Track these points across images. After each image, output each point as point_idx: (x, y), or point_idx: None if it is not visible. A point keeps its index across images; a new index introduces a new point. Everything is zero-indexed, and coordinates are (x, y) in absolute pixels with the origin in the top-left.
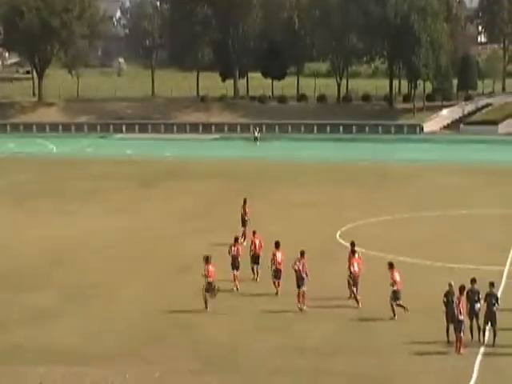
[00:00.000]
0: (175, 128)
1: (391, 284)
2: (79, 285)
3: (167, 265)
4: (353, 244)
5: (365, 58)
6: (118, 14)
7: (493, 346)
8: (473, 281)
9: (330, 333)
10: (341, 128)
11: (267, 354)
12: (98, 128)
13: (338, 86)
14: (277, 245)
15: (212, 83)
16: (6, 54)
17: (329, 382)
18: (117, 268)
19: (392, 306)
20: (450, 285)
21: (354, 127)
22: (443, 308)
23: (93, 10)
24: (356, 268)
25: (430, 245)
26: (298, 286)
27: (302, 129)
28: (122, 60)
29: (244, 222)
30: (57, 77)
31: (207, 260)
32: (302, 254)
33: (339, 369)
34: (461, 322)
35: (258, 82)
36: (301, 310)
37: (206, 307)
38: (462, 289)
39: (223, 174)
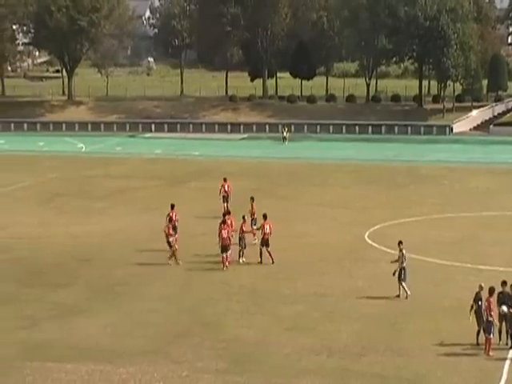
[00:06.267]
0: (204, 127)
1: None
2: (107, 282)
3: (194, 263)
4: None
5: (394, 59)
6: (148, 13)
7: (510, 347)
8: (503, 283)
9: (358, 333)
10: (370, 128)
11: (295, 353)
12: (127, 127)
13: (367, 86)
14: (264, 217)
15: (241, 83)
16: (36, 53)
17: (356, 383)
18: (144, 266)
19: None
20: (480, 286)
21: (383, 127)
22: (473, 309)
23: (122, 9)
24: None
25: (459, 246)
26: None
27: (331, 129)
28: (151, 59)
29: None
30: (86, 76)
31: None
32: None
33: (367, 369)
34: (490, 323)
35: (286, 82)
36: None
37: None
38: (491, 291)
39: (251, 174)
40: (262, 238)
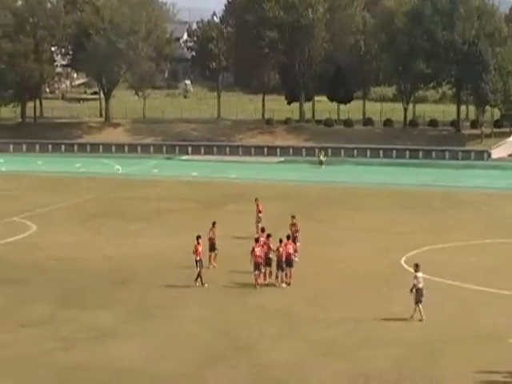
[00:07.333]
0: (240, 150)
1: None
2: (142, 304)
3: (230, 286)
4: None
5: (432, 84)
6: (185, 36)
7: None
8: None
9: (394, 359)
10: (407, 153)
11: (330, 379)
12: (164, 149)
13: (405, 110)
14: (288, 237)
15: (277, 106)
16: (74, 75)
17: None
18: (180, 288)
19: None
20: None
21: (420, 152)
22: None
23: (160, 31)
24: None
25: (497, 272)
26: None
27: (368, 153)
28: (188, 82)
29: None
30: (123, 98)
31: None
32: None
33: None
34: None
35: (323, 106)
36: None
37: None
38: None
39: (288, 197)
40: (286, 259)
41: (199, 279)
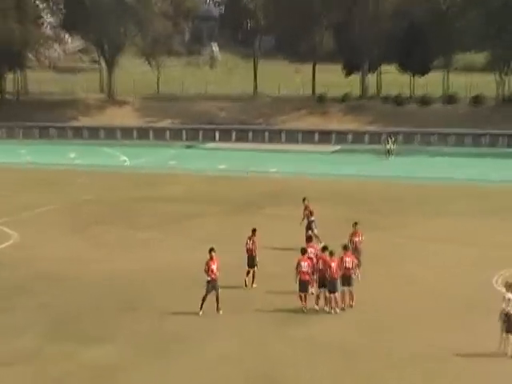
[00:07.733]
0: (283, 136)
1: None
2: (155, 336)
3: (268, 311)
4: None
5: None
6: None
7: None
8: None
9: None
10: (502, 140)
11: None
12: (184, 135)
13: (499, 84)
14: (344, 247)
15: (332, 78)
16: (68, 39)
17: None
18: (204, 315)
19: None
20: None
21: None
22: None
23: None
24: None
25: None
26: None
27: (451, 140)
28: (215, 47)
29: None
30: (131, 68)
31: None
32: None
33: None
34: None
35: (393, 78)
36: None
37: None
38: None
39: (344, 198)
40: (343, 275)
41: (202, 303)
